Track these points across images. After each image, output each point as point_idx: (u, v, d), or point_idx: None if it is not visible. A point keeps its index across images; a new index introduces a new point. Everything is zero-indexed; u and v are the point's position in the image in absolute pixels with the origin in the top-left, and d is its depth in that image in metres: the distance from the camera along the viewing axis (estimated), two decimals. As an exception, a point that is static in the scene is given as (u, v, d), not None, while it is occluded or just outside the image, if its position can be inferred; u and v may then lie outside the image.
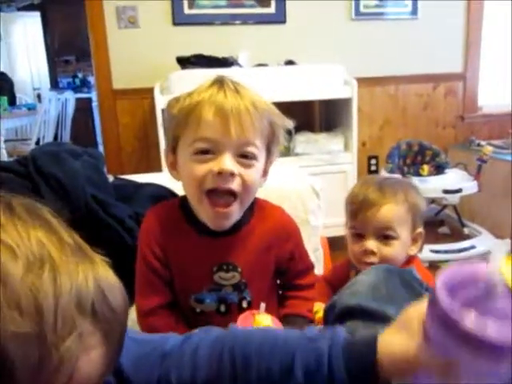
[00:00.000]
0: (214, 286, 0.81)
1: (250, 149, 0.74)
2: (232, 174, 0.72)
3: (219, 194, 0.74)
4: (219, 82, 0.75)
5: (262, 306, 0.77)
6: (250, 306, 0.82)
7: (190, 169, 0.75)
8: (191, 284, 0.81)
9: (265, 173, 0.83)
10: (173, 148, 0.79)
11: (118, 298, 0.36)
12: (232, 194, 0.74)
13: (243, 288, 0.81)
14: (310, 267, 0.92)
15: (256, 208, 0.85)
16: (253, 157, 0.75)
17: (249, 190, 0.76)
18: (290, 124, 0.81)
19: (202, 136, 0.73)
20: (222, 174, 0.71)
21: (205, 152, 0.73)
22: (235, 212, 0.76)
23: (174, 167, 0.80)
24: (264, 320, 0.75)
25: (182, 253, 0.81)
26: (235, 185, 0.73)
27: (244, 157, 0.74)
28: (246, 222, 0.82)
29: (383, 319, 0.60)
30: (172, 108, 0.77)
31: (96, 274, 0.34)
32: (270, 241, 0.83)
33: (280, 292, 0.92)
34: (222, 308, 0.82)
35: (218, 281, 0.80)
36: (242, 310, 0.82)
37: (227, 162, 0.71)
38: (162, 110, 1.98)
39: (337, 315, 0.66)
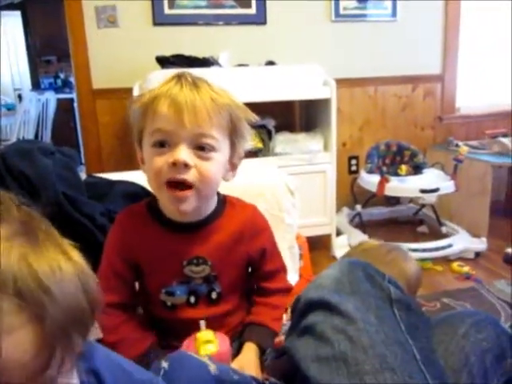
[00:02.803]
0: (183, 279, 0.82)
1: (207, 140, 0.74)
2: (186, 165, 0.73)
3: (176, 185, 0.74)
4: (178, 77, 0.77)
5: (202, 323, 0.78)
6: (220, 297, 0.84)
7: (149, 161, 0.76)
8: (162, 278, 0.82)
9: (233, 166, 0.83)
10: (139, 143, 0.81)
11: (62, 284, 0.34)
12: (188, 185, 0.74)
13: (213, 280, 0.83)
14: (281, 269, 0.92)
15: (227, 205, 0.87)
16: (211, 149, 0.75)
17: (206, 182, 0.76)
18: (254, 118, 0.81)
19: (156, 127, 0.74)
20: (176, 165, 0.72)
21: (162, 145, 0.74)
22: (191, 197, 0.75)
23: (143, 162, 0.82)
24: (205, 335, 0.76)
25: (151, 249, 0.82)
26: (190, 176, 0.74)
27: (201, 149, 0.75)
28: (216, 217, 0.84)
29: (342, 314, 0.61)
30: (135, 103, 0.79)
31: (30, 254, 0.33)
32: (240, 235, 0.84)
33: (248, 297, 0.92)
34: (192, 299, 0.83)
35: (188, 274, 0.81)
36: (211, 301, 0.84)
37: (181, 153, 0.72)
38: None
39: (300, 309, 0.67)
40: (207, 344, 0.75)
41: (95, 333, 0.86)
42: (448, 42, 2.93)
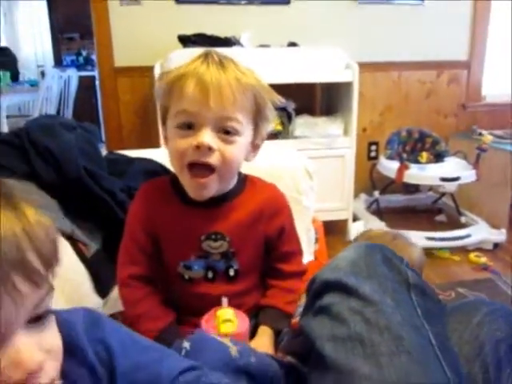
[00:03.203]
0: (201, 254, 0.83)
1: (232, 123, 0.75)
2: (210, 149, 0.73)
3: (198, 168, 0.75)
4: (204, 55, 0.77)
5: (224, 300, 0.79)
6: (237, 274, 0.84)
7: (173, 142, 0.77)
8: (180, 251, 0.83)
9: (255, 147, 0.84)
10: (163, 120, 0.82)
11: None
12: (210, 168, 0.76)
13: (231, 257, 0.83)
14: (297, 252, 0.92)
15: (247, 183, 0.87)
16: (235, 132, 0.76)
17: (229, 165, 0.77)
18: (279, 100, 0.81)
19: (182, 108, 0.75)
20: (200, 148, 0.73)
21: (188, 127, 0.75)
22: (212, 183, 0.77)
23: (166, 140, 0.82)
24: (225, 314, 0.77)
25: (170, 223, 0.83)
26: (214, 159, 0.75)
27: (226, 132, 0.75)
28: (236, 194, 0.85)
29: (359, 297, 0.61)
30: (161, 80, 0.79)
31: None
32: (259, 213, 0.84)
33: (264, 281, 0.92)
34: (210, 275, 0.84)
35: (206, 249, 0.82)
36: (228, 279, 0.84)
37: (206, 136, 0.73)
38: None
39: (316, 289, 0.67)
40: (227, 323, 0.75)
41: (117, 305, 0.88)
42: (476, 28, 2.84)
